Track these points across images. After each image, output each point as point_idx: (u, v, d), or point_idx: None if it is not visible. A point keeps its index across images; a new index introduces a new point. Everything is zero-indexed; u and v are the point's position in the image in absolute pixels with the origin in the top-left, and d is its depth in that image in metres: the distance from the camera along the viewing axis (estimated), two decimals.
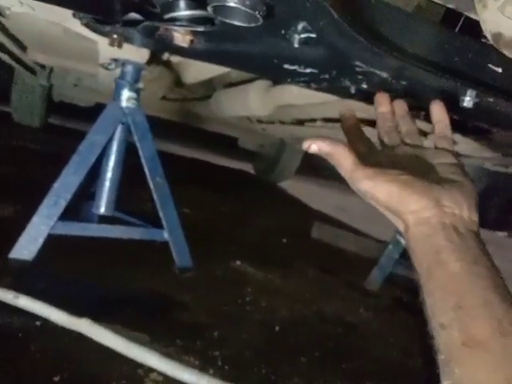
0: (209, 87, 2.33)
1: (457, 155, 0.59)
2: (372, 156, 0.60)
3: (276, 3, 0.61)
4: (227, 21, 0.62)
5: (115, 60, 1.51)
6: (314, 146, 0.55)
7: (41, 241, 1.37)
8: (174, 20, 0.65)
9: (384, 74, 0.77)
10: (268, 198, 3.75)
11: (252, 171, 4.56)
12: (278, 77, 1.00)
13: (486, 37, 0.64)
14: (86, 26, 0.86)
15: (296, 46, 0.68)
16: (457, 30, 0.80)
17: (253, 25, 0.61)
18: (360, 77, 0.80)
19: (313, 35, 0.67)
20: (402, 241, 1.97)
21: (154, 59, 1.62)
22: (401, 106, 0.67)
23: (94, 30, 0.88)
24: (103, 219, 1.57)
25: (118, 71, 1.54)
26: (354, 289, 2.02)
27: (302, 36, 0.67)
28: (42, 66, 2.60)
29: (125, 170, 1.57)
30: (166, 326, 1.28)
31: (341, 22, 0.62)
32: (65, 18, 0.99)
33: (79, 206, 1.61)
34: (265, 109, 1.88)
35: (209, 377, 1.07)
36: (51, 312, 1.13)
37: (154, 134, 1.55)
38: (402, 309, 1.94)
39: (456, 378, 0.43)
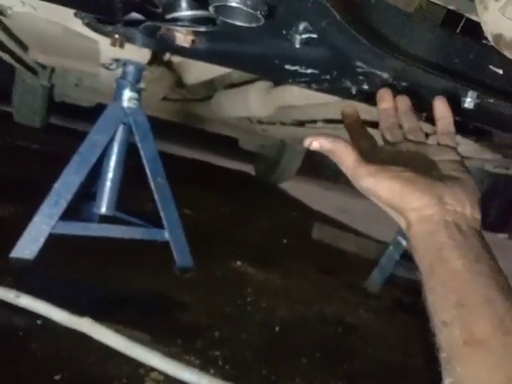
0: (210, 88, 2.33)
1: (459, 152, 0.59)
2: (374, 153, 0.60)
3: (277, 3, 0.61)
4: (229, 21, 0.62)
5: (116, 60, 1.51)
6: (315, 143, 0.54)
7: (42, 240, 1.37)
8: (175, 20, 0.65)
9: (385, 75, 0.78)
10: (268, 198, 3.75)
11: (252, 172, 4.56)
12: (279, 77, 1.00)
13: (486, 38, 0.64)
14: (88, 25, 0.86)
15: (297, 46, 0.69)
16: (458, 31, 0.80)
17: (254, 25, 0.61)
18: (361, 77, 0.81)
19: (314, 36, 0.67)
20: (403, 242, 1.97)
21: (156, 59, 1.63)
22: (404, 101, 0.67)
23: (96, 30, 0.88)
24: (104, 219, 1.57)
25: (119, 71, 1.54)
26: (354, 290, 2.02)
27: (304, 36, 0.67)
28: (43, 66, 2.61)
29: (126, 170, 1.57)
30: (167, 325, 1.29)
31: (342, 22, 0.62)
32: (66, 17, 0.99)
33: (80, 205, 1.61)
34: (265, 110, 1.89)
35: (209, 376, 1.07)
36: (52, 311, 1.13)
37: (155, 134, 1.56)
38: (402, 310, 1.94)
39: (457, 376, 0.43)
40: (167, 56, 1.65)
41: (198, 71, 1.84)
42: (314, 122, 2.22)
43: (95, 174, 1.54)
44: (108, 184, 1.54)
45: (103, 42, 1.19)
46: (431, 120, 0.69)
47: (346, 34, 0.65)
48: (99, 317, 1.14)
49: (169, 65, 1.81)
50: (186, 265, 1.62)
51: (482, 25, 0.63)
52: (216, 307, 1.48)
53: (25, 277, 1.31)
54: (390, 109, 0.66)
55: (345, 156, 0.53)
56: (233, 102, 2.12)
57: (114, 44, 0.88)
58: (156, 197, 1.56)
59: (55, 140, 3.33)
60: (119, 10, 0.69)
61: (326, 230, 2.79)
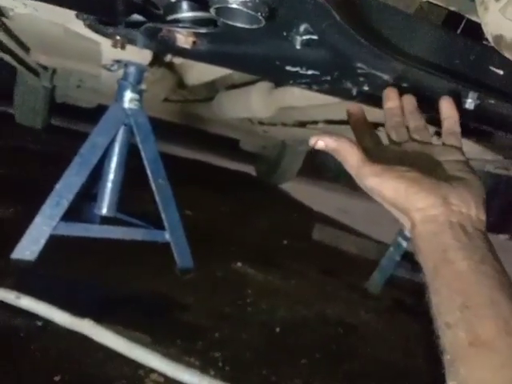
0: (211, 89, 2.33)
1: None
2: (379, 152, 0.60)
3: (278, 5, 0.62)
4: (230, 22, 0.62)
5: (118, 61, 1.52)
6: (320, 142, 0.54)
7: (43, 241, 1.37)
8: (176, 21, 0.65)
9: (385, 76, 0.78)
10: (269, 199, 3.75)
11: (254, 173, 4.56)
12: (280, 78, 1.00)
13: (487, 39, 0.64)
14: (89, 27, 0.86)
15: (298, 47, 0.69)
16: (458, 32, 0.80)
17: (255, 26, 0.61)
18: (362, 79, 0.81)
19: (315, 37, 0.67)
20: (403, 243, 1.97)
21: (157, 61, 1.63)
22: (410, 101, 0.66)
23: (97, 32, 0.88)
24: (105, 220, 1.57)
25: (120, 72, 1.54)
26: (354, 290, 2.01)
27: (304, 38, 0.67)
28: (45, 68, 2.61)
29: (127, 171, 1.57)
30: (167, 326, 1.29)
31: (343, 23, 0.62)
32: (68, 18, 0.99)
33: (81, 206, 1.62)
34: (267, 110, 1.89)
35: (209, 378, 1.07)
36: (53, 313, 1.13)
37: (156, 135, 1.56)
38: (402, 311, 1.94)
39: (461, 378, 0.42)
40: (168, 57, 1.65)
41: (200, 72, 1.84)
42: (315, 122, 2.22)
43: (96, 175, 1.54)
44: (109, 185, 1.54)
45: (104, 44, 1.19)
46: (431, 121, 0.69)
47: (346, 36, 0.65)
48: (100, 318, 1.14)
49: (170, 66, 1.81)
50: (187, 266, 1.62)
51: (483, 26, 0.63)
52: (216, 308, 1.48)
53: (26, 278, 1.31)
54: (395, 108, 0.66)
55: (349, 155, 0.53)
56: (234, 103, 2.13)
57: (115, 45, 0.88)
58: (157, 198, 1.56)
59: (56, 141, 3.33)
60: (120, 11, 0.69)
61: (327, 230, 2.79)
